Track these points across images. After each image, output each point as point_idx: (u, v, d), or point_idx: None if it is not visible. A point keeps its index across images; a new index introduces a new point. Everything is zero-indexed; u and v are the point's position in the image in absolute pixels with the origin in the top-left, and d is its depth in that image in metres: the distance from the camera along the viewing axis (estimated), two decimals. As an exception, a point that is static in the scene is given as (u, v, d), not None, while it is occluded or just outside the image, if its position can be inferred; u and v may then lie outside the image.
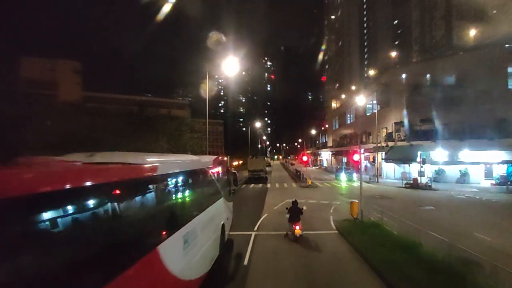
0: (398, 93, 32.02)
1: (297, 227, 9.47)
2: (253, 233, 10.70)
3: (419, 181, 25.78)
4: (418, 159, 28.24)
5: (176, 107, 71.01)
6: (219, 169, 8.50)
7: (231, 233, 9.91)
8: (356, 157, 10.94)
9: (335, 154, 57.01)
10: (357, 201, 12.43)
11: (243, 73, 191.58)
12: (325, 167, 62.34)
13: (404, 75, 32.01)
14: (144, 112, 23.19)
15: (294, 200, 10.29)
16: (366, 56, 74.53)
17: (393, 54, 40.56)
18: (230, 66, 18.37)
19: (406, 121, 29.34)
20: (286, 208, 10.27)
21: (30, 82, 56.85)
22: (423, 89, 29.89)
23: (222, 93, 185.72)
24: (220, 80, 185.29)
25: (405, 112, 28.83)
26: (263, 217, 13.71)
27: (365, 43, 78.56)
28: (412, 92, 30.74)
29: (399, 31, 49.95)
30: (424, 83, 29.97)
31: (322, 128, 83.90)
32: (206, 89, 17.96)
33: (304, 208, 15.48)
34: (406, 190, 24.36)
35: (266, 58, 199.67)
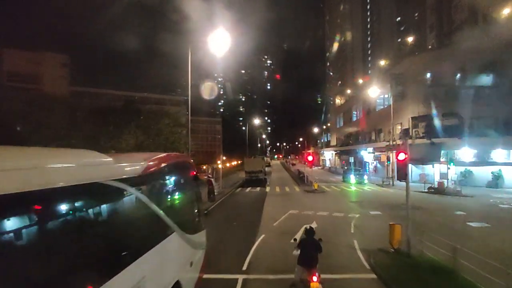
0: (416, 84, 28.05)
1: (314, 278, 5.48)
2: (241, 278, 6.74)
3: (445, 185, 21.84)
4: (442, 159, 24.38)
5: (170, 103, 67.27)
6: (170, 178, 4.56)
7: (204, 276, 6.01)
8: (402, 156, 7.04)
9: (339, 154, 53.13)
10: (392, 222, 8.47)
11: (243, 71, 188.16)
12: (329, 167, 58.44)
13: (422, 64, 28.05)
14: (130, 107, 19.47)
15: (307, 227, 6.26)
16: (372, 47, 70.81)
17: (408, 41, 36.67)
18: (219, 40, 14.42)
19: (430, 116, 25.35)
20: (294, 240, 6.32)
21: (12, 76, 53.13)
22: (445, 79, 25.95)
23: (221, 92, 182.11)
24: (219, 79, 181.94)
25: (433, 108, 24.79)
26: (259, 240, 9.75)
27: (369, 36, 74.95)
28: (433, 82, 26.85)
29: (410, 19, 45.93)
30: (447, 71, 25.98)
31: (324, 126, 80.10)
32: (189, 69, 14.00)
33: (314, 225, 11.54)
34: (432, 197, 20.38)
35: (266, 57, 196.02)
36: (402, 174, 7.12)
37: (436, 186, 22.49)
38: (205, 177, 5.79)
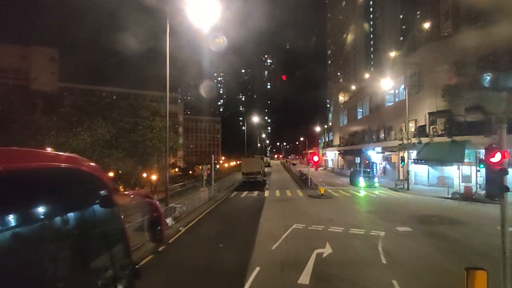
0: (433, 76, 24.97)
1: None
2: None
3: (473, 190, 18.78)
4: (465, 159, 21.30)
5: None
6: None
7: None
8: (497, 157, 4.03)
9: (343, 154, 50.02)
10: (475, 267, 5.33)
11: (243, 71, 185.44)
12: (332, 168, 55.40)
13: (441, 52, 24.98)
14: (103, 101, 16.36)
15: None
16: (377, 40, 68.04)
17: (422, 29, 33.64)
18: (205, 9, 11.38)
19: (451, 111, 22.28)
20: None
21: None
22: (469, 68, 22.83)
23: (221, 91, 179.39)
24: (219, 78, 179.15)
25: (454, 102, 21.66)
26: (250, 280, 6.63)
27: (371, 33, 72.18)
28: (454, 72, 23.74)
29: (415, 10, 43.00)
30: (471, 59, 22.90)
31: (326, 126, 77.11)
32: (167, 43, 10.93)
33: (328, 249, 8.48)
34: (460, 204, 17.29)
35: (266, 56, 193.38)
36: (498, 187, 4.07)
37: (461, 191, 19.43)
38: (145, 198, 2.92)
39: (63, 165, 2.27)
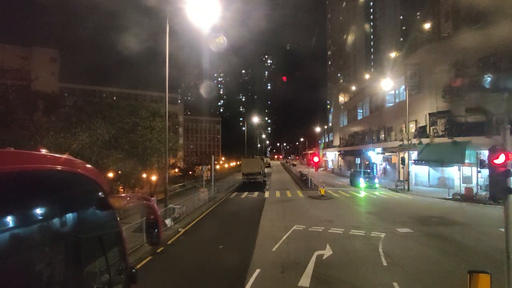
0: (434, 76, 24.91)
1: None
2: None
3: (474, 191, 18.71)
4: (466, 160, 21.23)
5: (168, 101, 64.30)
6: None
7: None
8: (501, 159, 3.96)
9: (343, 155, 49.97)
10: (480, 271, 5.26)
11: (243, 71, 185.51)
12: (332, 168, 55.34)
13: (442, 52, 24.94)
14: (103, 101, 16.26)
15: None
16: (378, 41, 68.07)
17: (422, 30, 33.66)
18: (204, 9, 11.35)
19: (451, 111, 22.21)
20: None
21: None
22: (470, 69, 22.78)
23: (221, 92, 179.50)
24: (220, 79, 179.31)
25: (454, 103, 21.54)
26: (251, 282, 6.57)
27: (371, 34, 72.26)
28: (455, 72, 23.69)
29: (415, 11, 42.96)
30: (472, 60, 22.85)
31: (326, 126, 77.07)
32: (167, 44, 10.89)
33: (327, 251, 8.43)
34: (461, 205, 17.20)
35: (266, 56, 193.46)
36: (502, 189, 4.00)
37: (462, 192, 19.35)
38: (142, 201, 2.61)
39: (58, 167, 2.20)
